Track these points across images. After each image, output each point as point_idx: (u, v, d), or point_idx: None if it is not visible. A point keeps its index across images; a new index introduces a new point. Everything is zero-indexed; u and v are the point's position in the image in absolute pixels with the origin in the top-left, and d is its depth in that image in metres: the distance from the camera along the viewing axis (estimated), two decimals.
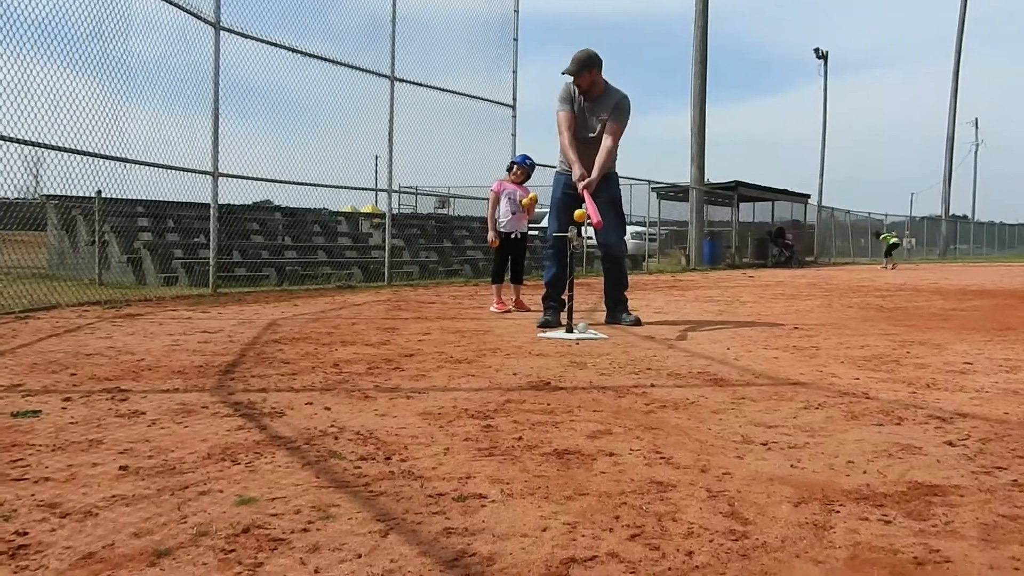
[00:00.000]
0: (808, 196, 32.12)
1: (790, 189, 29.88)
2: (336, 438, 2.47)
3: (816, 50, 37.30)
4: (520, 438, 2.50)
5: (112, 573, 1.47)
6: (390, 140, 11.03)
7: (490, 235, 7.43)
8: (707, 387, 3.43)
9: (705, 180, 23.54)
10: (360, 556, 1.57)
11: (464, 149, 13.25)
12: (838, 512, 1.85)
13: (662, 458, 2.30)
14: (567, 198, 5.90)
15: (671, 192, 24.48)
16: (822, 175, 36.41)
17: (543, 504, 1.90)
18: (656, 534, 1.71)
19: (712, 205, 26.20)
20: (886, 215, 41.96)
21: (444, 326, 5.74)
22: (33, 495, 1.88)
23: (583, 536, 1.70)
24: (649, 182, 21.80)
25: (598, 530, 1.73)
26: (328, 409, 2.87)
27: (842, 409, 2.99)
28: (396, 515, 1.80)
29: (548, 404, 3.02)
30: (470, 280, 12.48)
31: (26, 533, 1.65)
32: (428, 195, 21.50)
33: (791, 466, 2.23)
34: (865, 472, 2.17)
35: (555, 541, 1.67)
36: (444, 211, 22.10)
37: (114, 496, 1.89)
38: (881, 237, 27.67)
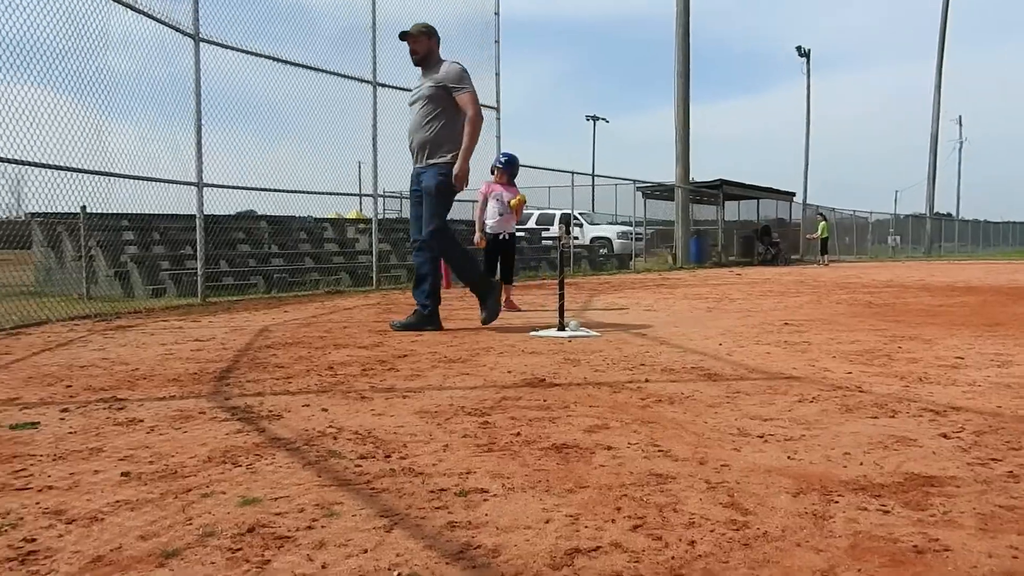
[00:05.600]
0: (793, 194, 32.31)
1: (775, 187, 30.06)
2: (335, 438, 2.48)
3: (798, 48, 37.53)
4: (518, 434, 2.52)
5: (122, 575, 1.48)
6: (374, 145, 11.01)
7: (476, 236, 7.46)
8: (701, 382, 3.46)
9: (690, 179, 23.64)
10: (366, 551, 1.58)
11: None
12: (837, 502, 1.88)
13: (660, 451, 2.32)
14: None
15: (656, 191, 24.58)
16: (806, 173, 36.61)
17: (544, 497, 1.91)
18: (658, 525, 1.73)
19: (698, 204, 26.30)
20: (871, 213, 42.26)
21: None
22: (38, 503, 1.88)
23: (586, 527, 1.72)
24: (634, 182, 21.90)
25: (600, 521, 1.75)
26: (325, 410, 2.88)
27: (836, 402, 3.02)
28: (399, 511, 1.81)
29: (544, 400, 3.04)
30: (458, 282, 12.48)
31: (34, 539, 1.65)
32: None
33: (788, 458, 2.26)
34: (862, 464, 2.20)
35: (558, 532, 1.69)
36: None
37: (118, 501, 1.89)
38: (820, 229, 27.18)
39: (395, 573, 1.48)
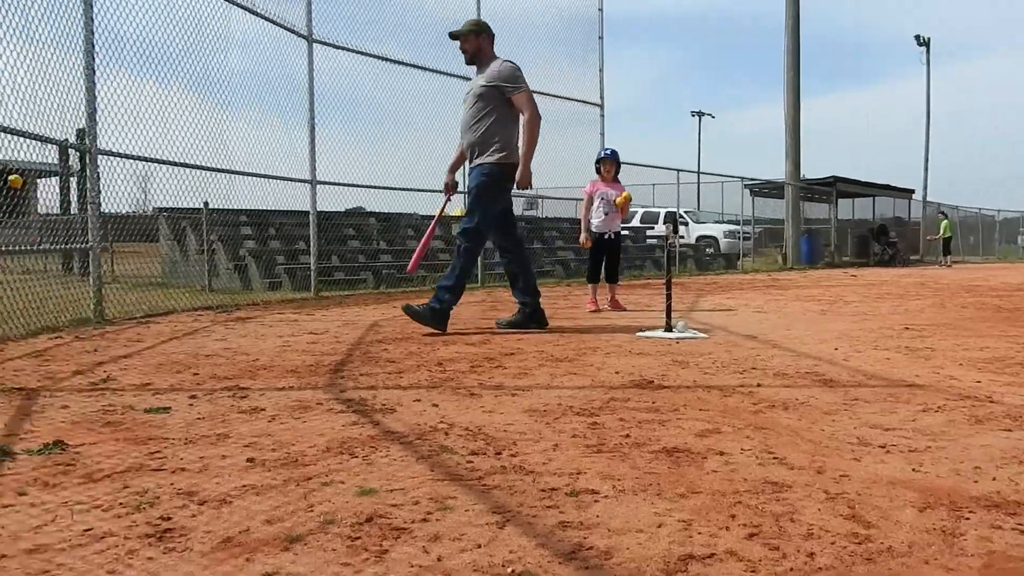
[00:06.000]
0: (912, 191, 30.84)
1: (892, 184, 28.74)
2: (446, 433, 2.52)
3: (917, 37, 35.77)
4: (628, 435, 2.50)
5: (251, 556, 1.55)
6: None
7: (582, 236, 7.44)
8: (816, 387, 3.35)
9: (801, 175, 22.88)
10: (480, 546, 1.61)
11: (552, 150, 13.28)
12: (968, 519, 1.78)
13: (775, 458, 2.26)
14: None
15: (765, 189, 23.91)
16: (927, 169, 34.91)
17: (656, 501, 1.89)
18: (774, 534, 1.69)
19: (809, 202, 25.44)
20: (998, 211, 39.88)
21: None
22: (172, 484, 2.00)
23: (699, 533, 1.69)
24: (742, 179, 21.37)
25: (714, 528, 1.72)
26: (436, 406, 2.94)
27: (964, 413, 2.86)
28: (511, 508, 1.83)
29: (653, 402, 3.01)
30: (562, 280, 12.50)
31: (170, 518, 1.76)
32: (517, 197, 21.59)
33: (913, 470, 2.16)
34: (995, 479, 2.08)
35: (671, 537, 1.67)
36: (533, 212, 22.22)
37: (244, 485, 1.98)
38: (942, 228, 25.60)
39: (509, 570, 1.50)
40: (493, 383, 3.42)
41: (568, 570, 1.50)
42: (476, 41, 5.42)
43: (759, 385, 3.39)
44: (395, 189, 10.81)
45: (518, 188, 5.39)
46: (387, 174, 10.68)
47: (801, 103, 22.23)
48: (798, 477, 2.08)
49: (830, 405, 2.98)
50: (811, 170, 25.27)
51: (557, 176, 14.26)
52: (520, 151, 5.31)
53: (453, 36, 5.51)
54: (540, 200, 22.70)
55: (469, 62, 5.52)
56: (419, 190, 11.16)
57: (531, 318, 5.49)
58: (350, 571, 1.49)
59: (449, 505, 1.85)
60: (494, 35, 5.49)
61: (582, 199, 7.65)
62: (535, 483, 2.02)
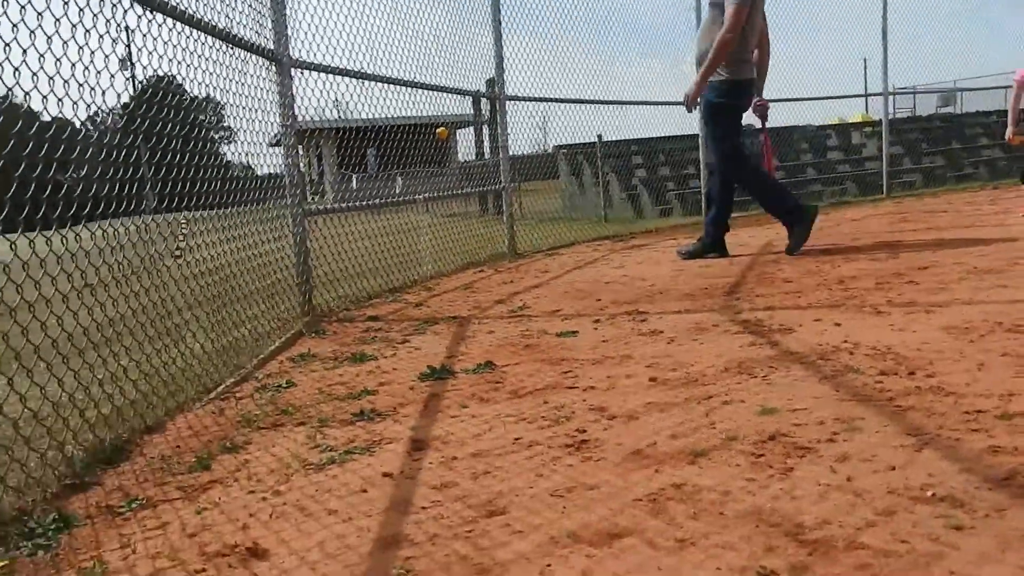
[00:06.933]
0: None
1: None
2: (851, 353, 2.40)
3: None
4: None
5: (659, 467, 1.66)
6: (884, 38, 10.04)
7: (1008, 130, 6.37)
8: None
9: None
10: (894, 468, 1.53)
11: (977, 33, 11.54)
12: None
13: None
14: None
15: None
16: None
17: None
18: None
19: None
20: None
21: (960, 235, 5.13)
22: (584, 400, 2.20)
23: None
24: None
25: None
26: (838, 325, 2.80)
27: None
28: (928, 431, 1.70)
29: None
30: (987, 183, 10.89)
31: (584, 431, 1.94)
32: (928, 93, 19.21)
33: None
34: None
35: None
36: (950, 109, 19.52)
37: (648, 403, 2.11)
38: None
39: (929, 493, 1.41)
40: (903, 300, 3.15)
41: (1000, 497, 1.37)
42: None
43: None
44: (788, 100, 10.25)
45: (685, 107, 5.13)
46: (779, 86, 10.17)
47: None
48: None
49: None
50: None
51: (983, 64, 12.34)
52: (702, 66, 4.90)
53: None
54: (959, 93, 19.87)
55: None
56: (812, 99, 10.49)
57: (711, 248, 5.19)
58: (755, 486, 1.52)
59: (857, 426, 1.78)
60: None
61: (1011, 87, 6.54)
62: (957, 405, 1.85)
